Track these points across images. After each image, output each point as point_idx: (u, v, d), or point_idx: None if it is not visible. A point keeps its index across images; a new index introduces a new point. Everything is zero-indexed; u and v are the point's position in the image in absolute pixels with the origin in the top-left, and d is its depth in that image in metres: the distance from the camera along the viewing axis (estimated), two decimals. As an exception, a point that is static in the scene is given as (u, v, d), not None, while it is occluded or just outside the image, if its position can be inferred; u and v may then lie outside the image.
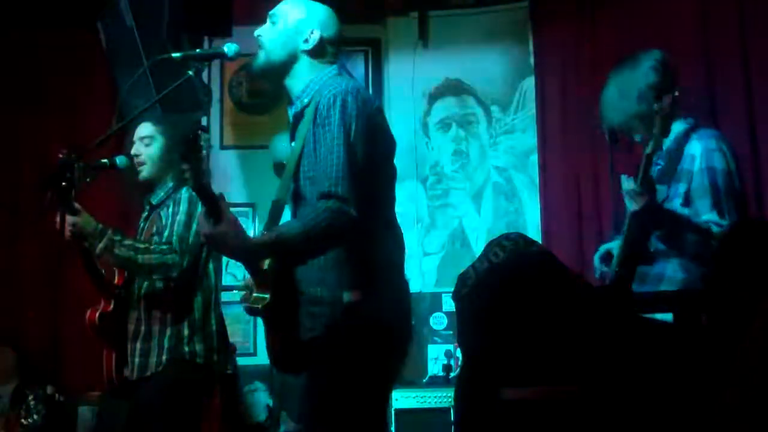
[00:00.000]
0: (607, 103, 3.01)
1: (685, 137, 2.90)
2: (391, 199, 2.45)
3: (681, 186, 2.85)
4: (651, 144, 2.71)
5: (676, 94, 2.69)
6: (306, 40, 2.45)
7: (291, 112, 2.49)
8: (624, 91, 2.93)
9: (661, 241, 2.82)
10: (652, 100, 2.87)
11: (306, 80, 2.45)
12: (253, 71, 2.50)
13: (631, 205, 2.73)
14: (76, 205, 2.99)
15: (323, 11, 2.52)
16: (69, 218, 2.96)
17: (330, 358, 2.30)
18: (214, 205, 2.18)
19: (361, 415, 2.33)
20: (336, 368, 2.30)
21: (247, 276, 2.40)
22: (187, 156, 2.13)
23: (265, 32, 2.49)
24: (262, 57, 2.47)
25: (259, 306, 2.30)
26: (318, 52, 2.47)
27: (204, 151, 2.16)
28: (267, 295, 2.29)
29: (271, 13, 2.51)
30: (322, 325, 2.31)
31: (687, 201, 2.84)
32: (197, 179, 2.13)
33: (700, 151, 2.82)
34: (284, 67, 2.46)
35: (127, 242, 3.02)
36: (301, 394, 2.46)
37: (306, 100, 2.42)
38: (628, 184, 2.73)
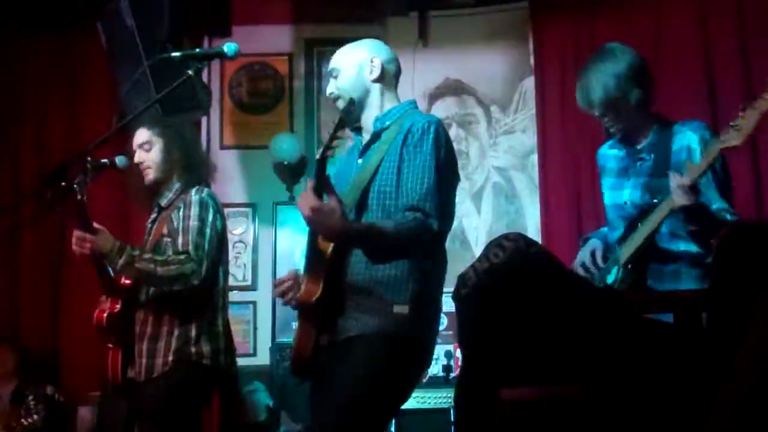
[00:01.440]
0: (584, 90, 2.94)
1: (665, 130, 2.87)
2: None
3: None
4: (730, 139, 2.60)
5: None
6: (371, 72, 2.67)
7: (364, 135, 2.67)
8: (600, 80, 2.88)
9: (692, 237, 2.76)
10: (628, 88, 2.85)
11: (382, 107, 2.67)
12: (344, 117, 2.64)
13: (681, 200, 2.64)
14: (95, 224, 3.00)
15: (371, 42, 2.76)
16: (87, 236, 2.96)
17: (364, 364, 2.42)
18: (327, 182, 2.36)
19: (374, 419, 2.46)
20: (367, 374, 2.41)
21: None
22: (337, 127, 2.40)
23: (333, 86, 2.68)
24: (341, 104, 2.64)
25: (312, 299, 2.42)
26: (385, 77, 2.70)
27: (340, 133, 2.40)
28: (318, 288, 2.42)
29: (329, 70, 2.70)
30: (363, 332, 2.42)
31: None
32: (325, 152, 2.37)
33: (697, 142, 2.80)
34: (361, 103, 2.65)
35: (147, 256, 3.03)
36: (320, 393, 2.55)
37: (387, 123, 2.62)
38: (680, 179, 2.64)
